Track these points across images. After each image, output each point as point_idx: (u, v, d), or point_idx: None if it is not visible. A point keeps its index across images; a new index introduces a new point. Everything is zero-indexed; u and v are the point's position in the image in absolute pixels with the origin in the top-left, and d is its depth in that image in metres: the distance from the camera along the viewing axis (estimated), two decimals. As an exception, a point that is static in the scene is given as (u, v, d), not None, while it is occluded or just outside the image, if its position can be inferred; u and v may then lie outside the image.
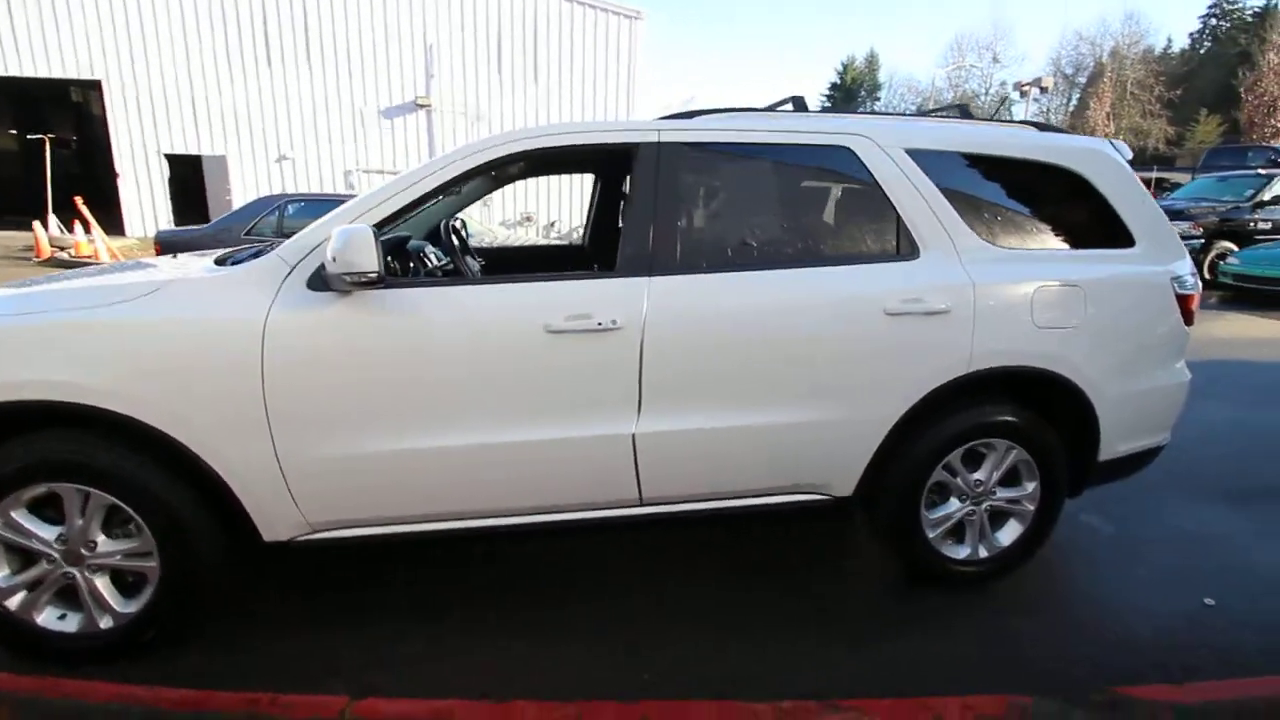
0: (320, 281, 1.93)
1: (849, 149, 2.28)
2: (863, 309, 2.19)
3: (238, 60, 16.18)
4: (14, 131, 19.00)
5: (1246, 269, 9.38)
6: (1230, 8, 45.04)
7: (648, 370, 2.08)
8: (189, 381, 1.86)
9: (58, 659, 2.00)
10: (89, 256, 11.82)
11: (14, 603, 1.95)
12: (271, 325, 1.89)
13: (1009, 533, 2.55)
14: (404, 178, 2.06)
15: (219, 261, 2.21)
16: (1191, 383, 2.68)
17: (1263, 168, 12.96)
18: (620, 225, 3.70)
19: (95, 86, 16.06)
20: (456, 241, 2.75)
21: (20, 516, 1.90)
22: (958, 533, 2.51)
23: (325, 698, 1.90)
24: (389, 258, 2.43)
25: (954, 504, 2.47)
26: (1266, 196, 10.99)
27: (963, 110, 2.64)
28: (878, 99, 49.73)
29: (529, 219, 17.84)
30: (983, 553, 2.52)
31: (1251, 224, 10.79)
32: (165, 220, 16.22)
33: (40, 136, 14.73)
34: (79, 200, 12.36)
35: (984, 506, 2.49)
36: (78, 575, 1.97)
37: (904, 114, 2.56)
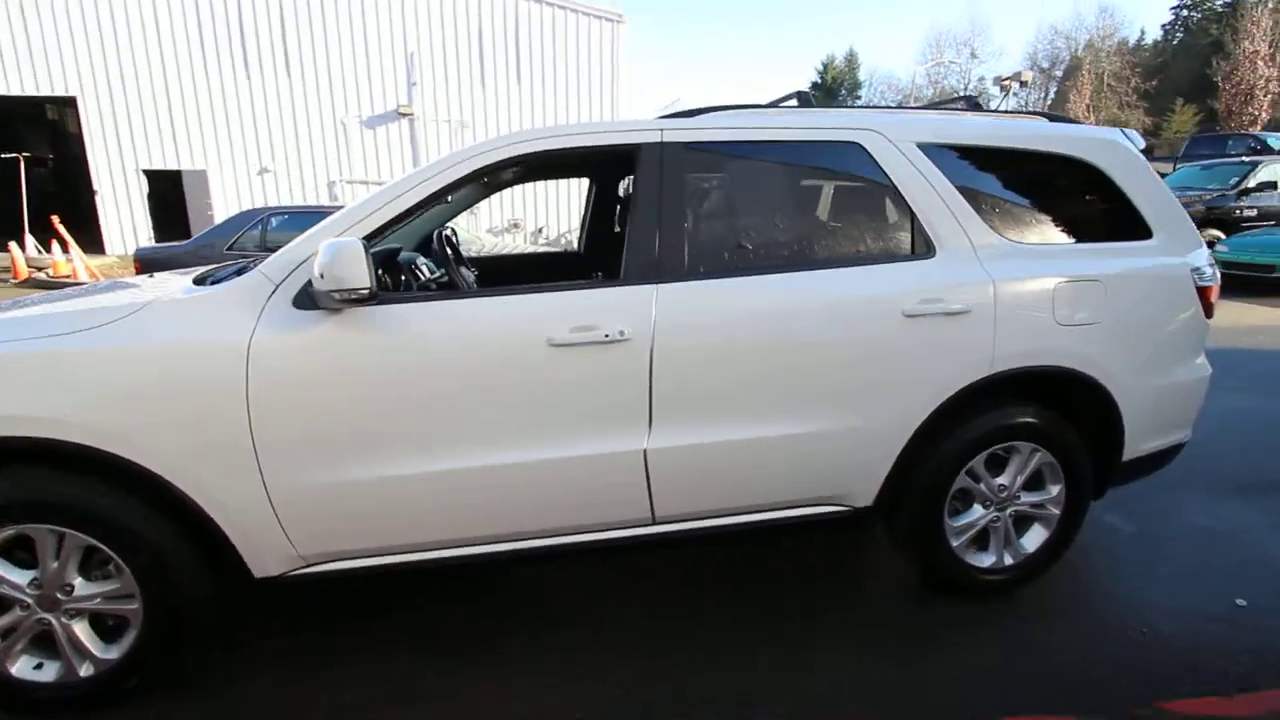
0: (307, 299, 1.81)
1: (859, 145, 2.18)
2: (879, 312, 2.10)
3: (215, 73, 15.94)
4: (-12, 151, 18.65)
5: (1235, 256, 9.42)
6: (1201, -2, 45.66)
7: (658, 382, 1.97)
8: (168, 412, 1.73)
9: (34, 710, 1.86)
10: (68, 276, 11.56)
11: (-15, 654, 1.81)
12: (256, 348, 1.77)
13: (1033, 538, 2.46)
14: (394, 186, 1.94)
15: (198, 281, 2.08)
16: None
17: (1245, 155, 13.07)
18: (618, 230, 3.64)
19: (70, 103, 15.76)
20: (450, 252, 2.63)
21: (-12, 562, 1.76)
22: (981, 540, 2.42)
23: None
24: (380, 271, 2.32)
25: (977, 511, 2.38)
26: (1251, 183, 11.07)
27: (971, 102, 2.56)
28: (859, 97, 49.98)
29: (516, 226, 17.69)
30: (1008, 560, 2.43)
31: (1237, 211, 10.87)
32: (146, 237, 15.93)
33: (15, 156, 14.43)
34: (55, 219, 12.09)
35: (1008, 512, 2.40)
36: (54, 621, 1.83)
37: (912, 107, 2.47)
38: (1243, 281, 9.13)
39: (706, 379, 2.01)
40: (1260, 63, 24.37)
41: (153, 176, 16.24)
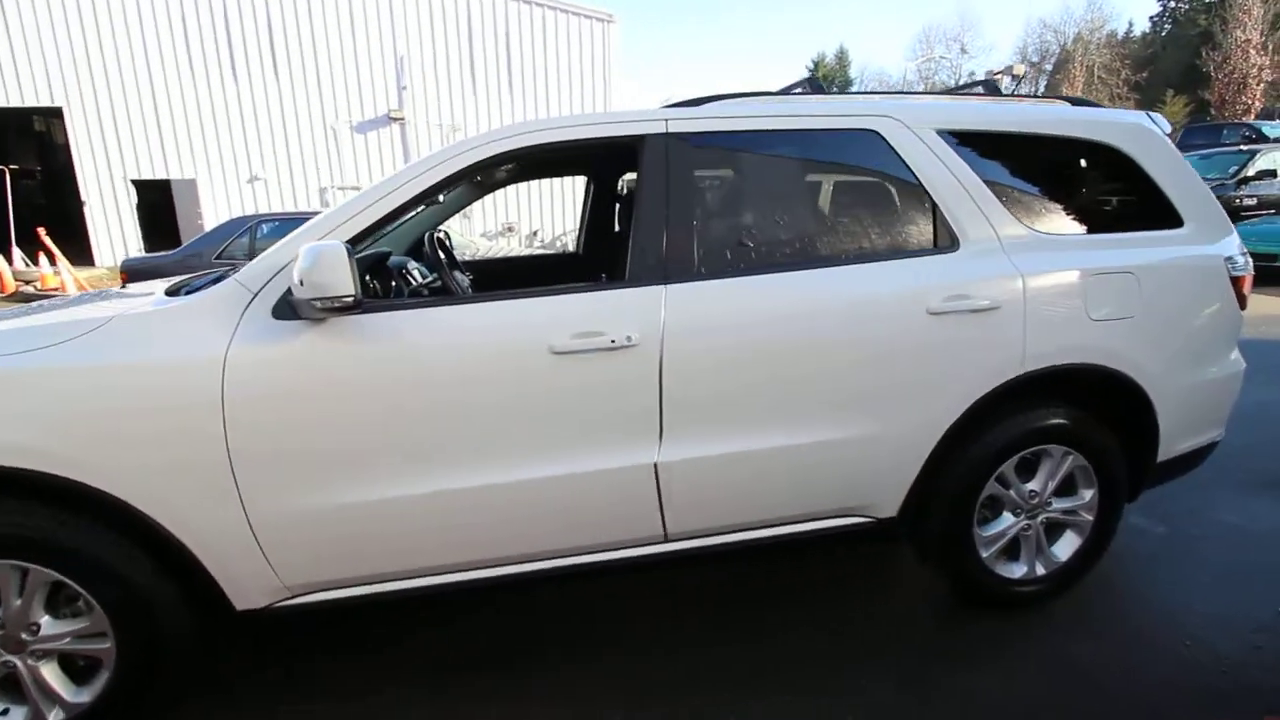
0: (288, 309, 1.67)
1: (876, 132, 2.05)
2: (902, 310, 1.96)
3: (203, 81, 15.77)
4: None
5: (1237, 245, 9.32)
6: (1189, -12, 45.82)
7: (669, 390, 1.83)
8: (135, 434, 1.59)
9: (0, 762, 1.72)
10: (56, 289, 11.36)
11: (-57, 703, 1.66)
12: (233, 362, 1.63)
13: (1066, 546, 2.33)
14: (381, 185, 1.80)
15: (171, 291, 1.93)
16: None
17: (1242, 144, 13.00)
18: (619, 229, 3.50)
19: (57, 114, 15.58)
20: (443, 256, 2.48)
21: (-57, 603, 1.61)
22: (1012, 550, 2.28)
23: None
24: (367, 277, 2.18)
25: (1008, 519, 2.24)
26: (1250, 172, 11.00)
27: (989, 87, 2.42)
28: (851, 95, 49.83)
29: (511, 229, 17.55)
30: (1039, 570, 2.30)
31: (1237, 200, 10.79)
32: (135, 248, 15.75)
33: (1, 168, 14.23)
34: (41, 231, 11.90)
35: (1039, 520, 2.27)
36: (19, 664, 1.68)
37: (930, 92, 2.34)
38: (1246, 271, 9.03)
39: (720, 385, 1.87)
40: (1253, 51, 24.38)
41: (142, 186, 16.06)
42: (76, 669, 1.76)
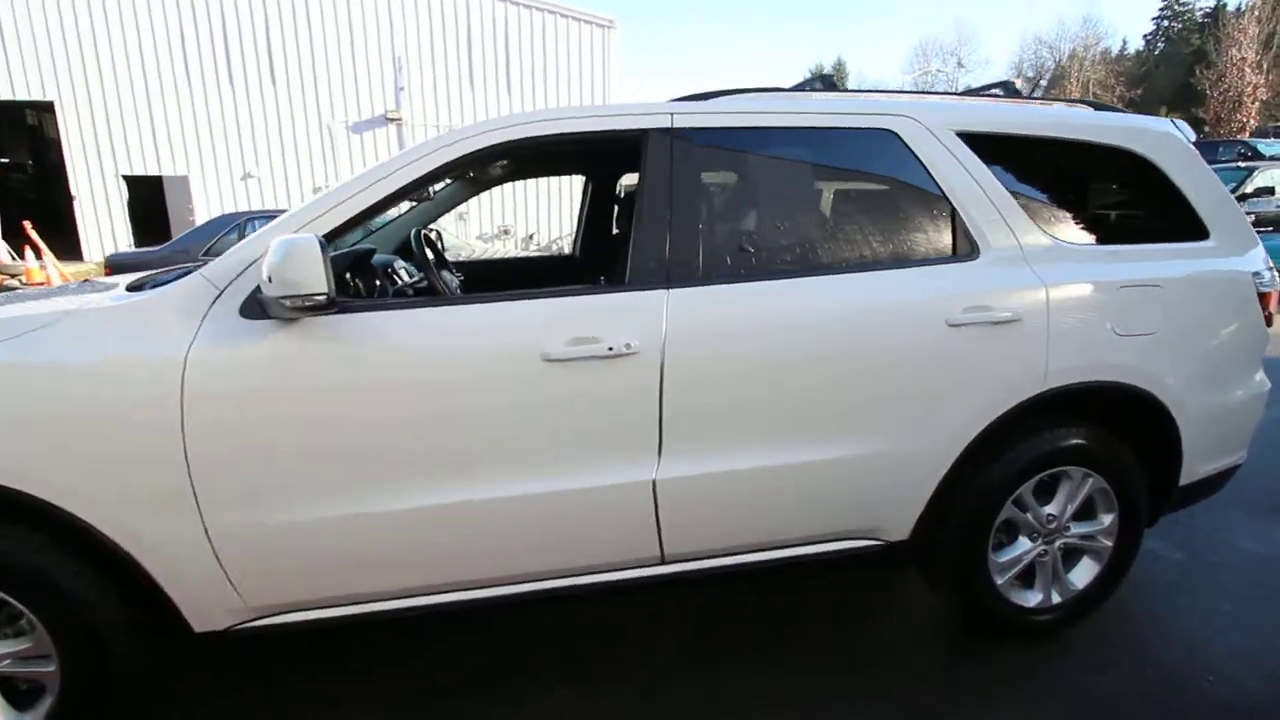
0: (257, 307, 1.53)
1: (892, 132, 1.94)
2: (919, 321, 1.84)
3: (197, 77, 15.60)
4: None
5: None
6: (1181, 9, 46.38)
7: (669, 403, 1.70)
8: (85, 440, 1.45)
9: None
10: (41, 284, 11.14)
11: None
12: (194, 364, 1.49)
13: (1083, 573, 2.21)
14: (363, 176, 1.67)
15: (134, 287, 1.79)
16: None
17: (1239, 160, 13.02)
18: (616, 232, 3.38)
19: (49, 109, 15.38)
20: (431, 255, 2.35)
21: None
22: (1027, 576, 2.16)
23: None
24: (348, 275, 2.05)
25: (1024, 544, 2.12)
26: (1248, 189, 10.98)
27: (1009, 88, 2.32)
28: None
29: (506, 232, 17.42)
30: (1055, 598, 2.18)
31: (1236, 217, 10.74)
32: (125, 243, 15.53)
33: (-10, 161, 14.02)
34: (28, 225, 11.69)
35: (1057, 545, 2.15)
36: (-47, 690, 1.54)
37: (947, 93, 2.23)
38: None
39: (725, 398, 1.74)
40: (1248, 70, 24.57)
41: (133, 182, 15.86)
42: (18, 693, 1.61)
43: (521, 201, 17.65)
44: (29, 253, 11.84)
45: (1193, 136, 2.34)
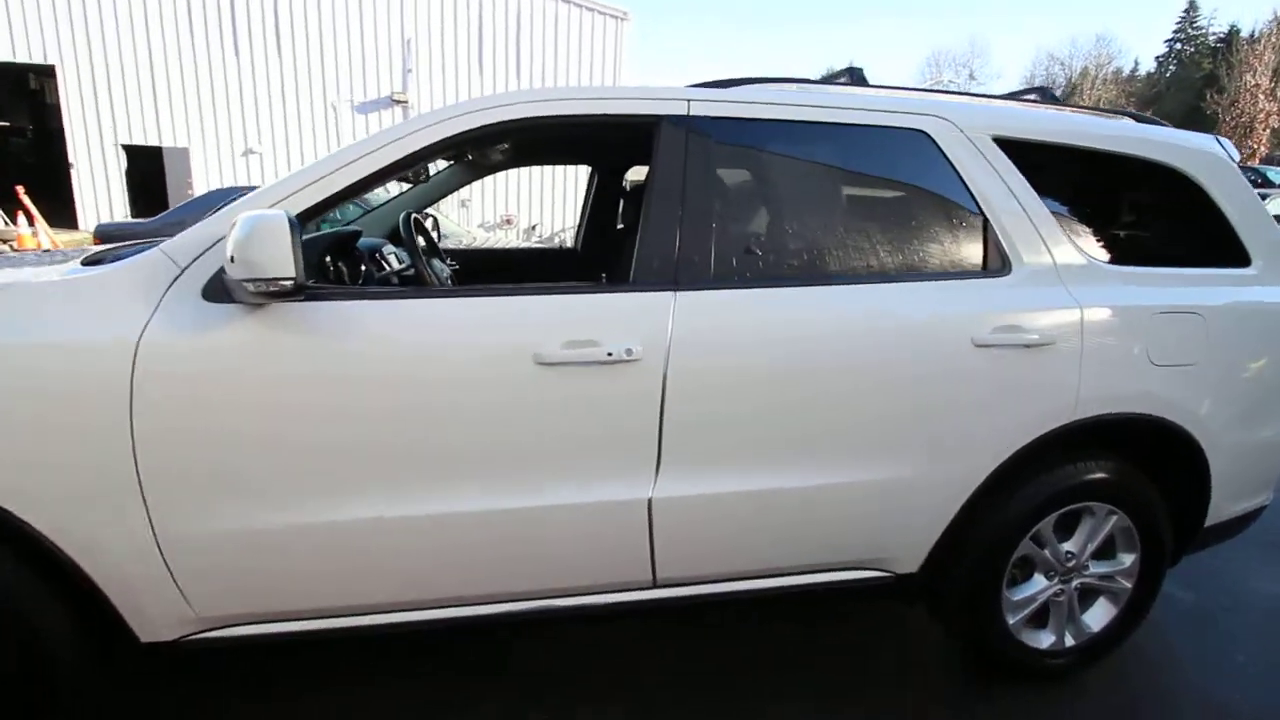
0: (221, 290, 1.38)
1: (925, 133, 1.79)
2: (946, 338, 1.70)
3: (203, 48, 15.34)
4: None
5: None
6: (1195, 33, 46.37)
7: (671, 415, 1.56)
8: (18, 428, 1.30)
9: None
10: (33, 250, 10.95)
11: None
12: (146, 350, 1.34)
13: (1099, 615, 2.07)
14: (347, 151, 1.51)
15: (90, 261, 1.63)
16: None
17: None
18: (621, 227, 3.23)
19: (50, 73, 15.12)
20: (422, 241, 2.20)
21: None
22: (1040, 617, 2.03)
23: None
24: (328, 259, 1.90)
25: (1039, 582, 1.98)
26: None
27: (1045, 94, 2.17)
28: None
29: (509, 222, 17.20)
30: (1069, 640, 2.05)
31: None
32: (122, 213, 15.30)
33: (-12, 123, 13.78)
34: (20, 190, 11.48)
35: (1074, 584, 2.01)
36: None
37: (980, 95, 2.09)
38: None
39: (731, 412, 1.60)
40: (1261, 96, 24.49)
41: (133, 152, 15.62)
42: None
43: (525, 190, 17.44)
44: (21, 218, 11.64)
45: (1237, 156, 2.21)
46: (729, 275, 1.64)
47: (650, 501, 1.59)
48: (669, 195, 1.63)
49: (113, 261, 1.55)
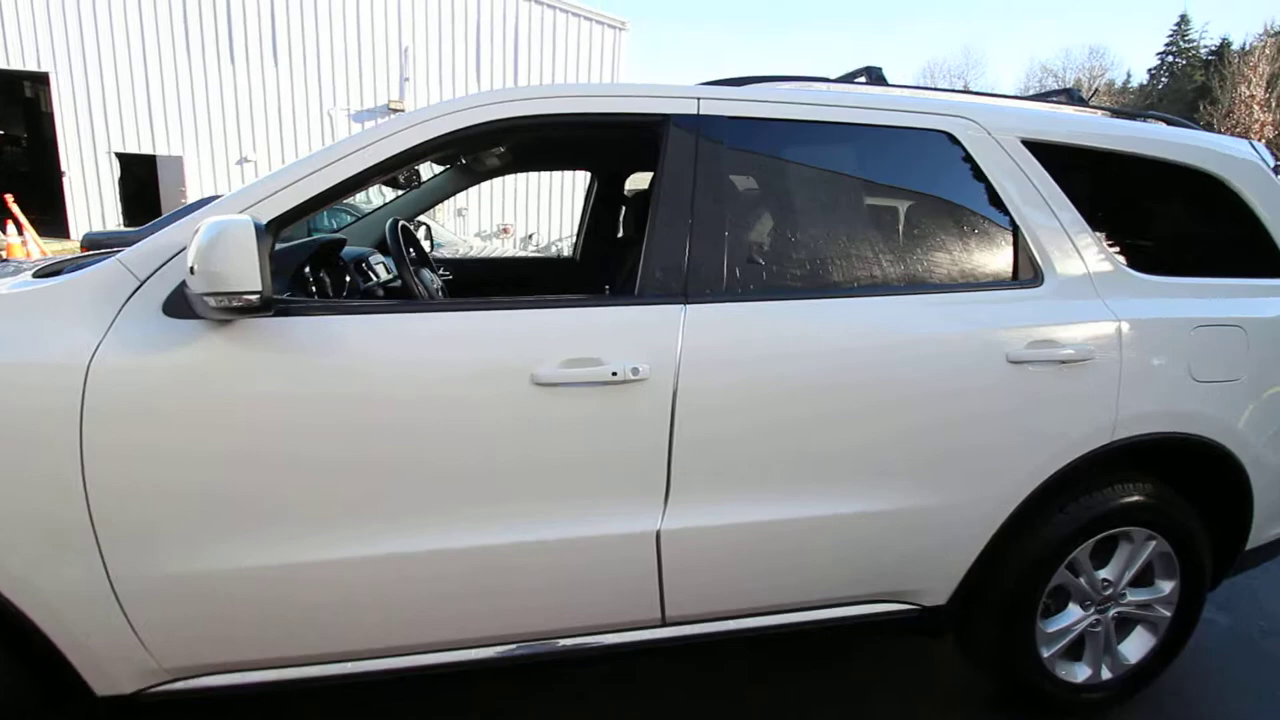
0: (185, 305, 1.25)
1: (950, 135, 1.67)
2: (978, 354, 1.58)
3: (198, 56, 15.26)
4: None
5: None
6: (1186, 45, 46.73)
7: (681, 439, 1.43)
8: (-46, 463, 1.16)
9: None
10: (22, 260, 10.79)
11: None
12: (100, 370, 1.21)
13: (1136, 645, 1.95)
14: (325, 152, 1.39)
15: (44, 273, 1.49)
16: None
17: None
18: (621, 235, 3.11)
19: (45, 80, 15.00)
20: (412, 251, 2.07)
21: None
22: (1075, 649, 1.89)
23: None
24: (311, 269, 1.76)
25: (1074, 612, 1.85)
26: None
27: (1073, 96, 2.06)
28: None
29: (506, 231, 17.10)
30: (1106, 673, 1.91)
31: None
32: (115, 222, 15.15)
33: (-24, 130, 13.65)
34: (9, 199, 11.33)
35: (1110, 614, 1.88)
36: None
37: (1005, 96, 1.97)
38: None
39: (746, 436, 1.47)
40: (1256, 107, 24.56)
41: (126, 160, 15.49)
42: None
43: (523, 198, 17.35)
44: (10, 227, 11.49)
45: (1272, 161, 2.09)
46: (742, 286, 1.51)
47: (659, 534, 1.46)
48: (677, 200, 1.50)
49: (71, 273, 1.41)
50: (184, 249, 1.27)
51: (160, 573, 1.27)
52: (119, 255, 1.30)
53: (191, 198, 14.96)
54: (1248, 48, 29.83)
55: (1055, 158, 1.76)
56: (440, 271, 2.52)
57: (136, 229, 7.46)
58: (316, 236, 1.77)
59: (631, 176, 3.06)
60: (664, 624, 1.58)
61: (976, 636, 1.82)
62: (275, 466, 1.27)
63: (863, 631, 1.75)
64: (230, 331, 1.24)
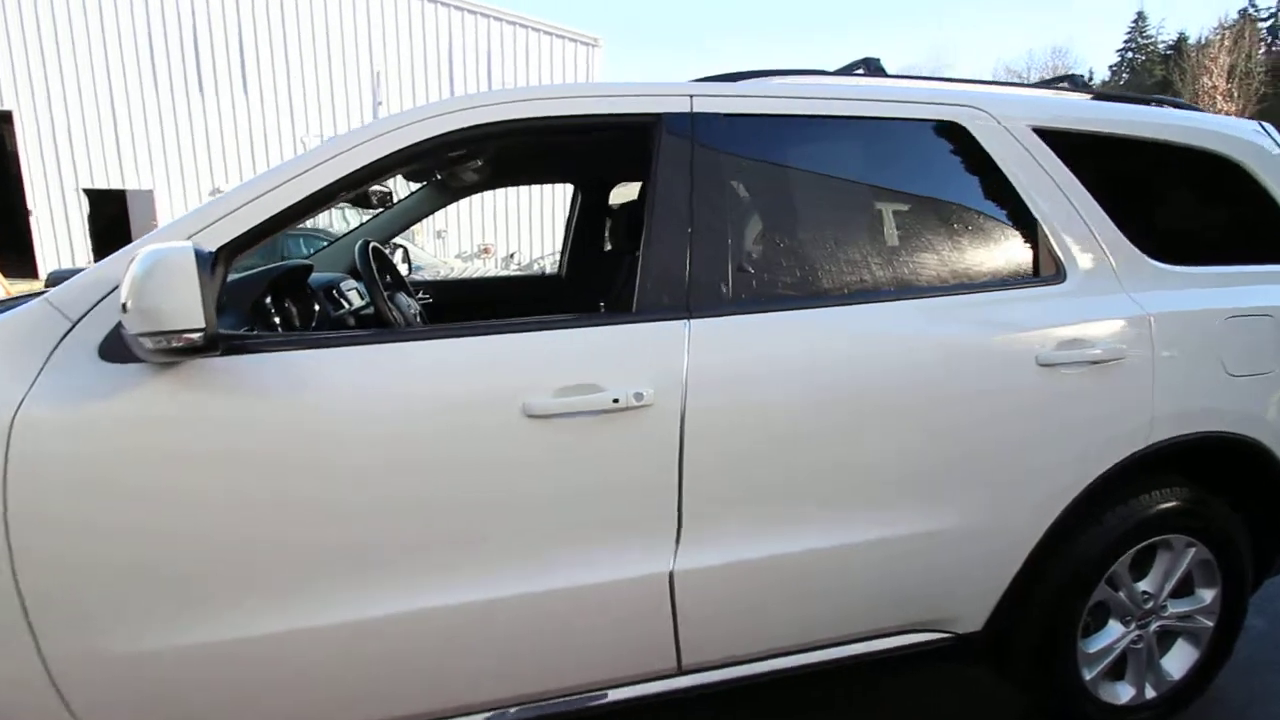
0: (123, 347, 1.10)
1: (960, 126, 1.57)
2: (1007, 359, 1.46)
3: (165, 87, 15.03)
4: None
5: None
6: (1145, 41, 47.98)
7: (691, 471, 1.29)
8: None
9: None
10: (-14, 302, 10.47)
11: None
12: (24, 428, 1.05)
13: (1179, 659, 1.82)
14: (281, 169, 1.24)
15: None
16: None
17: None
18: (609, 250, 2.99)
19: (8, 118, 14.70)
20: (387, 275, 1.92)
21: None
22: (1116, 667, 1.77)
23: None
24: (273, 299, 1.62)
25: (1115, 629, 1.73)
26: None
27: (1076, 82, 1.97)
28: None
29: (487, 251, 16.94)
30: (1150, 692, 1.79)
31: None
32: (85, 259, 14.81)
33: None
34: (-27, 239, 11.02)
35: (1152, 628, 1.76)
36: None
37: (1010, 83, 1.88)
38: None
39: (764, 461, 1.34)
40: (1219, 98, 25.10)
41: (95, 196, 15.18)
42: None
43: (502, 216, 17.21)
44: (-25, 269, 11.16)
45: (1283, 142, 2.01)
46: (750, 296, 1.38)
47: (671, 576, 1.32)
48: (674, 207, 1.37)
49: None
50: (116, 290, 1.12)
51: (102, 653, 1.11)
52: (47, 295, 1.15)
53: (163, 231, 14.65)
54: (1204, 41, 30.60)
55: (1068, 145, 1.66)
56: (418, 295, 2.38)
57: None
58: (276, 264, 1.62)
59: (616, 188, 2.95)
60: (680, 673, 1.43)
61: (1015, 663, 1.69)
62: (232, 528, 1.12)
63: (894, 665, 1.61)
64: (176, 375, 1.09)
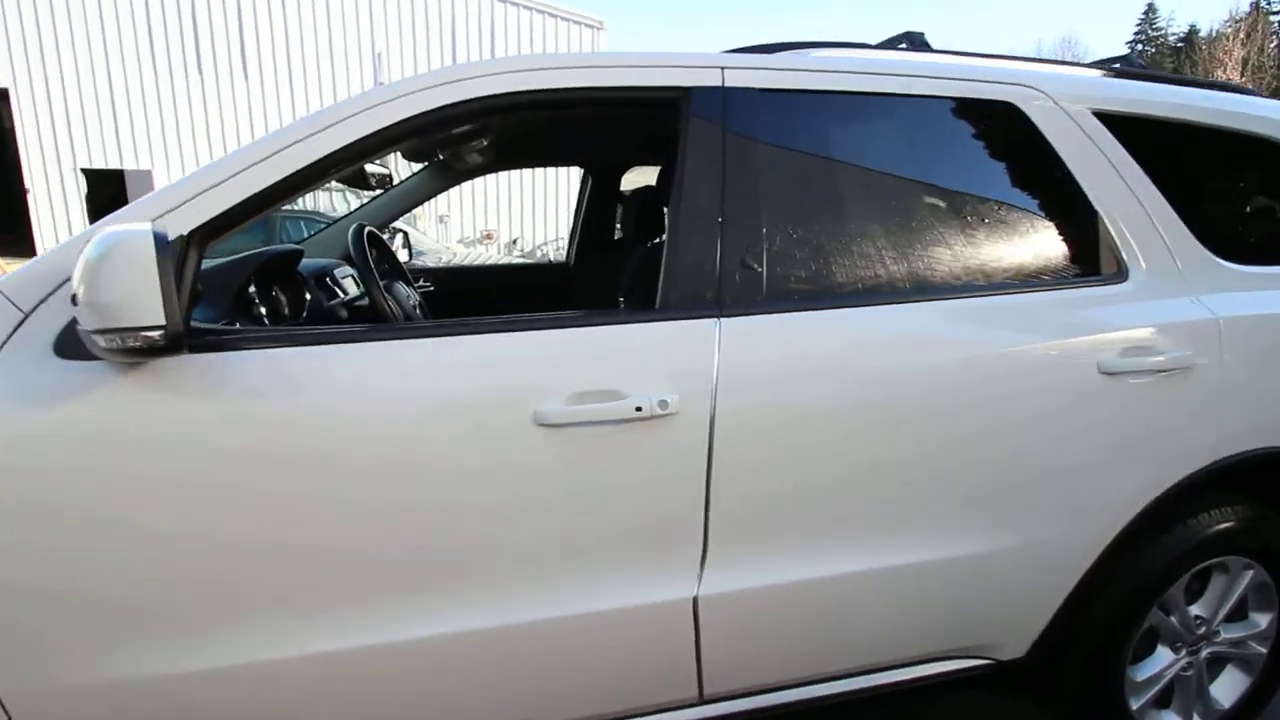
0: (80, 344, 0.96)
1: (1015, 106, 1.42)
2: (1070, 366, 1.33)
3: (165, 69, 14.80)
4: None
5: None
6: (1155, 34, 47.43)
7: (720, 488, 1.16)
8: None
9: None
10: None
11: None
12: (-31, 435, 0.92)
13: (1228, 687, 1.71)
14: (261, 144, 1.10)
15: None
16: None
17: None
18: (620, 238, 2.84)
19: (5, 96, 14.49)
20: (385, 264, 1.78)
21: None
22: (1164, 696, 1.65)
23: None
24: (259, 288, 1.48)
25: (1165, 656, 1.61)
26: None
27: (1127, 63, 1.82)
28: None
29: (490, 236, 16.72)
30: (1199, 723, 1.67)
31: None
32: (82, 241, 14.66)
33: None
34: (-32, 218, 10.88)
35: (1203, 655, 1.64)
36: None
37: (1063, 62, 1.73)
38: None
39: (800, 476, 1.21)
40: (1233, 92, 24.73)
41: (93, 176, 15.00)
42: None
43: (505, 200, 17.00)
44: (-30, 248, 11.02)
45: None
46: (787, 294, 1.25)
47: (695, 601, 1.19)
48: (703, 193, 1.23)
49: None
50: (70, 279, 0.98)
51: (60, 684, 0.99)
52: (-3, 281, 1.01)
53: (162, 212, 14.48)
54: (1215, 34, 30.15)
55: (1133, 132, 1.51)
56: (419, 283, 2.24)
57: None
58: (262, 249, 1.48)
59: (629, 173, 2.80)
60: (701, 702, 1.31)
61: (1059, 692, 1.57)
62: (204, 546, 0.99)
63: (930, 693, 1.49)
64: (140, 375, 0.96)
